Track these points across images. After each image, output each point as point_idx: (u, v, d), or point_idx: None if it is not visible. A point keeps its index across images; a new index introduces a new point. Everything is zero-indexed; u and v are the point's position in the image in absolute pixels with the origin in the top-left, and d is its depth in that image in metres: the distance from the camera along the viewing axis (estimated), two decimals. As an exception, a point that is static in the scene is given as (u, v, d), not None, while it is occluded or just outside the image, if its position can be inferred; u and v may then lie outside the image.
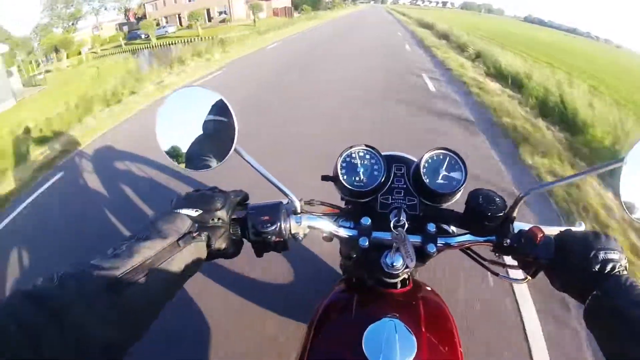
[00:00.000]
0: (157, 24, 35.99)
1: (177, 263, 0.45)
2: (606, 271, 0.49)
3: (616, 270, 0.50)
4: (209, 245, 0.51)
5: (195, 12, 34.25)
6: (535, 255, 0.57)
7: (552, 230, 0.60)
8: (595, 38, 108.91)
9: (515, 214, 0.62)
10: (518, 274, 0.65)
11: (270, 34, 18.54)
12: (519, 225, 0.62)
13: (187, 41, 21.39)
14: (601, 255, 0.50)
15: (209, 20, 38.13)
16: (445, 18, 33.95)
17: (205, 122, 0.53)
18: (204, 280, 1.96)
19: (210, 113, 0.53)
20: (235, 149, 0.53)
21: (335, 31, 19.00)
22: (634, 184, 0.50)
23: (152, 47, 27.97)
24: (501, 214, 0.61)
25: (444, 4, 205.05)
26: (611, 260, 0.50)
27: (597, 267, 0.50)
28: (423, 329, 0.60)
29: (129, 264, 0.40)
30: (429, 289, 0.77)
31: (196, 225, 0.50)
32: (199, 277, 1.41)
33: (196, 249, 0.48)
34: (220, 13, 38.83)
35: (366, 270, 0.70)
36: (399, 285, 0.69)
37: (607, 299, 0.47)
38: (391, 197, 0.68)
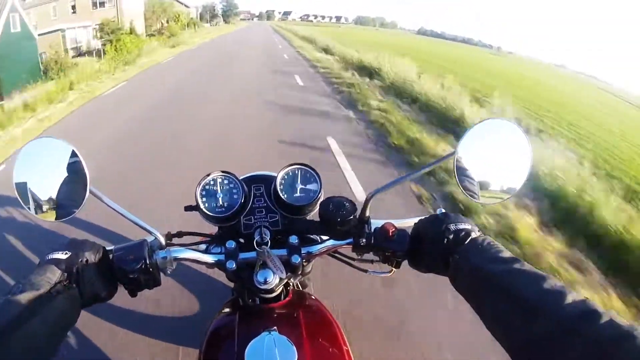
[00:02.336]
0: None
1: (53, 313, 0.46)
2: (460, 239, 0.54)
3: (470, 236, 0.54)
4: (82, 292, 0.52)
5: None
6: (391, 248, 0.63)
7: (411, 222, 0.66)
8: (489, 46, 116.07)
9: (367, 214, 0.67)
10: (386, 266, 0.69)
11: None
12: (375, 223, 0.67)
13: None
14: (452, 227, 0.56)
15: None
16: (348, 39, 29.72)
17: (60, 171, 0.54)
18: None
19: (61, 161, 0.54)
20: (90, 191, 0.54)
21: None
22: (466, 170, 0.58)
23: None
24: (352, 217, 0.67)
25: (338, 19, 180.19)
26: (462, 229, 0.55)
27: (450, 238, 0.55)
28: (304, 337, 0.63)
29: (5, 317, 0.41)
30: (312, 297, 0.82)
31: (65, 274, 0.51)
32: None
33: (70, 297, 0.50)
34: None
35: (246, 289, 0.71)
36: (280, 299, 0.72)
37: (464, 260, 0.51)
38: (253, 217, 0.73)
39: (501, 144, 0.57)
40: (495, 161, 0.58)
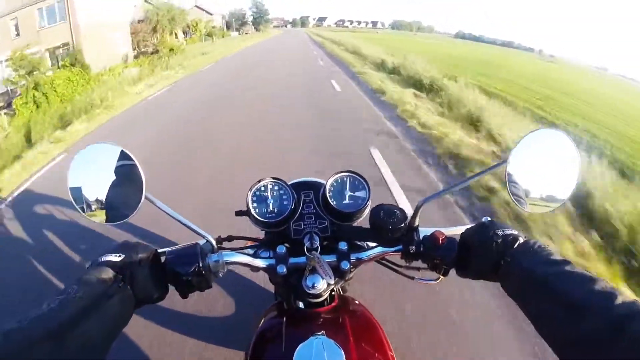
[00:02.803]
0: None
1: (108, 313, 0.48)
2: (510, 243, 0.55)
3: (519, 240, 0.55)
4: (135, 294, 0.53)
5: None
6: (440, 256, 0.63)
7: (459, 230, 0.67)
8: (529, 49, 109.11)
9: (417, 222, 0.67)
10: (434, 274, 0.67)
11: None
12: (424, 231, 0.68)
13: None
14: (500, 232, 0.57)
15: None
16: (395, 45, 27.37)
17: (114, 175, 0.56)
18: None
19: (116, 166, 0.55)
20: (145, 197, 0.55)
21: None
22: (517, 179, 0.58)
23: None
24: (402, 225, 0.67)
25: (374, 24, 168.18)
26: (510, 234, 0.56)
27: (499, 242, 0.55)
28: (351, 341, 0.64)
29: (63, 316, 0.44)
30: (356, 302, 0.82)
31: (120, 276, 0.52)
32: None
33: (123, 298, 0.51)
34: None
35: (292, 293, 0.73)
36: (325, 304, 0.73)
37: (516, 263, 0.52)
38: (303, 222, 0.74)
39: (551, 153, 0.58)
40: (545, 170, 0.58)
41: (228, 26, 53.61)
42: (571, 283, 0.45)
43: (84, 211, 0.56)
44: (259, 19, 68.53)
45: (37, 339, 0.41)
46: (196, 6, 37.04)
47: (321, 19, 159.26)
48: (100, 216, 0.57)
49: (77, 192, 0.55)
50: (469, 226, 0.65)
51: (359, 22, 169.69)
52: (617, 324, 0.38)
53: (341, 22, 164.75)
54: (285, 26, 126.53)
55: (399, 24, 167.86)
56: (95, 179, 0.56)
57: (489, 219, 0.62)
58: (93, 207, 0.56)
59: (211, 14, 39.38)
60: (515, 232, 0.57)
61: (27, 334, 0.41)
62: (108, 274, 0.51)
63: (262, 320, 0.79)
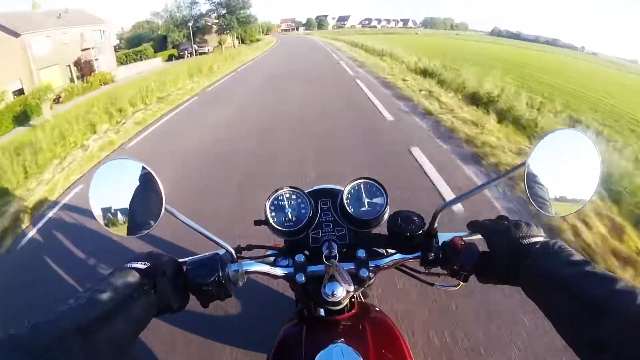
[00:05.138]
0: None
1: (132, 315, 0.51)
2: (530, 245, 0.55)
3: (540, 241, 0.55)
4: (157, 300, 0.56)
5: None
6: (460, 263, 0.63)
7: (478, 235, 0.66)
8: (572, 47, 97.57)
9: (435, 228, 0.67)
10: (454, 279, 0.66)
11: None
12: (443, 236, 0.68)
13: None
14: (519, 234, 0.57)
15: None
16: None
17: (133, 190, 0.58)
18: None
19: (136, 180, 0.58)
20: (165, 209, 0.57)
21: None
22: (537, 182, 0.57)
23: None
24: (421, 231, 0.68)
25: (405, 22, 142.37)
26: (531, 235, 0.57)
27: (520, 244, 0.56)
28: (370, 349, 0.64)
29: (92, 313, 0.46)
30: (376, 309, 0.84)
31: (145, 280, 0.55)
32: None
33: (147, 303, 0.54)
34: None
35: (312, 301, 0.74)
36: (345, 311, 0.74)
37: (536, 265, 0.52)
38: (321, 230, 0.75)
39: (571, 154, 0.57)
40: (565, 171, 0.58)
41: (132, 45, 32.88)
42: (594, 284, 0.45)
43: (106, 225, 0.59)
44: (231, 21, 36.74)
45: (66, 332, 0.43)
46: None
47: (342, 19, 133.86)
48: (121, 229, 0.59)
49: (98, 206, 0.58)
50: (487, 223, 0.63)
51: (388, 21, 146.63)
52: (639, 324, 0.38)
53: (367, 22, 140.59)
54: (297, 29, 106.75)
55: (431, 21, 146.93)
56: (116, 193, 0.59)
57: (507, 217, 0.62)
58: (114, 220, 0.59)
59: (101, 23, 25.68)
60: (535, 231, 0.58)
61: (57, 327, 0.43)
62: (135, 277, 0.54)
63: (283, 328, 0.80)
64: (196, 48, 34.87)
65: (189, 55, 33.74)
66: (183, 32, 35.61)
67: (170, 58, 33.62)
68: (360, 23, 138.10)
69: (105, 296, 0.49)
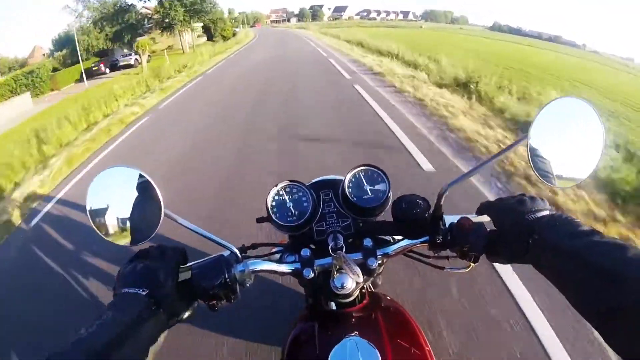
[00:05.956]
0: None
1: (142, 336, 0.50)
2: (538, 219, 0.54)
3: (546, 215, 0.54)
4: (166, 315, 0.55)
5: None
6: (469, 244, 0.61)
7: (484, 217, 0.64)
8: (574, 45, 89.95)
9: (441, 211, 0.66)
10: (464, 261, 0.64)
11: None
12: (449, 219, 0.66)
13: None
14: (526, 209, 0.55)
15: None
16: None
17: (131, 197, 0.57)
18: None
19: (134, 187, 0.57)
20: (165, 214, 0.56)
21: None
22: (540, 153, 0.55)
23: None
24: (427, 214, 0.66)
25: (405, 14, 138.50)
26: (538, 209, 0.55)
27: (528, 219, 0.54)
28: (385, 340, 0.64)
29: (103, 339, 0.46)
30: (388, 298, 0.83)
31: (152, 300, 0.54)
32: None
33: (156, 321, 0.53)
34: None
35: (322, 295, 0.74)
36: (356, 303, 0.73)
37: (544, 238, 0.51)
38: (325, 222, 0.74)
39: (573, 124, 0.55)
40: (568, 142, 0.56)
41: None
42: (604, 252, 0.44)
43: (105, 236, 0.58)
44: (173, 11, 24.92)
45: None
46: None
47: (339, 9, 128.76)
48: (122, 239, 0.58)
49: (96, 217, 0.57)
50: (493, 203, 0.62)
51: (388, 13, 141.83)
52: None
53: (366, 14, 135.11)
54: (288, 20, 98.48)
55: (431, 14, 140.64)
56: (113, 202, 0.58)
57: (516, 194, 0.61)
58: (114, 230, 0.57)
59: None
60: (540, 205, 0.57)
61: (71, 357, 0.43)
62: (139, 299, 0.53)
63: (296, 324, 0.80)
64: (118, 59, 24.53)
65: (105, 70, 23.52)
66: (105, 31, 23.98)
67: (81, 77, 22.06)
68: (358, 14, 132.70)
69: (112, 323, 0.49)
